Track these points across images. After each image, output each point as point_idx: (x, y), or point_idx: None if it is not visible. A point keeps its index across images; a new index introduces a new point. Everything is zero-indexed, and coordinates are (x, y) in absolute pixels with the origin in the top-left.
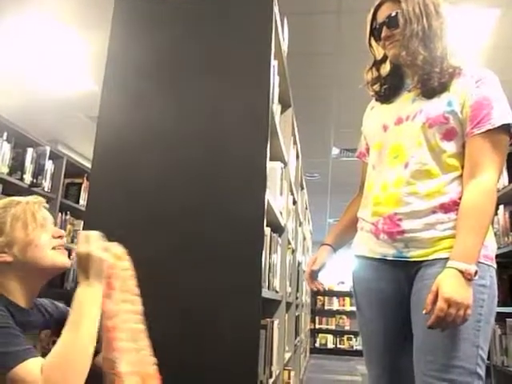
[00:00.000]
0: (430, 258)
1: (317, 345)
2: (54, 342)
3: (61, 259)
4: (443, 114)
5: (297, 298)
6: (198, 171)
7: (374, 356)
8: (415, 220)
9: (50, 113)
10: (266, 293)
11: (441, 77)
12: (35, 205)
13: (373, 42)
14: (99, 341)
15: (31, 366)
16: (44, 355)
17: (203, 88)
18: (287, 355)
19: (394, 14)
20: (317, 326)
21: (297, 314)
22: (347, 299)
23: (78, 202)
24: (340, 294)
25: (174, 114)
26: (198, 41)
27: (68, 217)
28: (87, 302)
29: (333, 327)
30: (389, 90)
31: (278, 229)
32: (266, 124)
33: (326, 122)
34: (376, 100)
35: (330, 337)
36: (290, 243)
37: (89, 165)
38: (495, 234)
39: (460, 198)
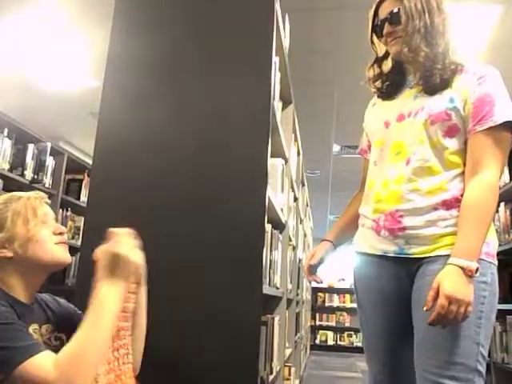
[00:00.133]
0: (432, 254)
1: (317, 341)
2: (55, 338)
3: (62, 255)
4: (445, 110)
5: (297, 295)
6: (198, 168)
7: (375, 353)
8: (417, 217)
9: (51, 109)
10: (266, 289)
11: (443, 73)
12: (36, 200)
13: (374, 39)
14: None
15: (41, 361)
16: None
17: (204, 85)
18: (288, 351)
19: (395, 10)
20: (317, 323)
21: (297, 310)
22: (347, 296)
23: (78, 199)
24: (340, 291)
25: (174, 110)
26: (198, 38)
27: (69, 213)
28: (108, 300)
29: (333, 324)
30: (391, 87)
31: (278, 225)
32: (267, 121)
33: (327, 118)
34: (378, 97)
35: (330, 333)
36: (290, 240)
37: (90, 161)
38: (496, 231)
39: (462, 195)
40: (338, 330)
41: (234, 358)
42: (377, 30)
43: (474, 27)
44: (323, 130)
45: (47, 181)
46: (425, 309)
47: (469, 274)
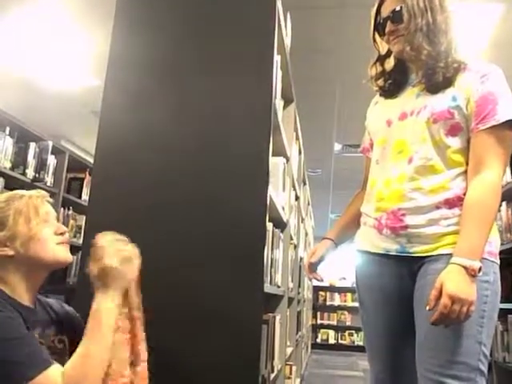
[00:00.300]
0: (434, 253)
1: (318, 340)
2: (59, 340)
3: (63, 254)
4: (448, 109)
5: (299, 294)
6: (200, 167)
7: (376, 351)
8: (419, 215)
9: (53, 108)
10: (268, 288)
11: (446, 72)
12: (38, 199)
13: (377, 37)
14: None
15: (52, 375)
16: (50, 353)
17: (205, 84)
18: (289, 350)
19: (398, 8)
20: (318, 322)
21: (298, 309)
22: (349, 295)
23: (80, 197)
24: (341, 290)
25: (176, 109)
26: (200, 36)
27: (70, 212)
28: (105, 312)
29: (334, 323)
30: (393, 85)
31: (280, 224)
32: (269, 119)
33: (329, 117)
34: (380, 95)
35: (331, 332)
36: (292, 239)
37: (91, 160)
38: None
39: (464, 194)
40: (339, 328)
41: (235, 356)
42: (379, 28)
43: (476, 26)
44: (325, 128)
45: (49, 179)
46: (427, 308)
47: (472, 273)
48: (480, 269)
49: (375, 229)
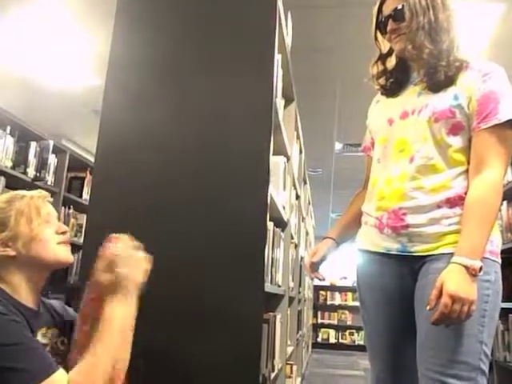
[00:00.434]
0: (435, 252)
1: (319, 339)
2: (62, 342)
3: (64, 255)
4: (449, 108)
5: (299, 293)
6: (200, 166)
7: (377, 351)
8: (420, 215)
9: (54, 107)
10: (268, 287)
11: (447, 70)
12: (40, 199)
13: (378, 36)
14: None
15: (57, 381)
16: (53, 354)
17: (206, 83)
18: (289, 349)
19: (400, 6)
20: (319, 321)
21: (299, 308)
22: (349, 294)
23: (81, 196)
24: (342, 289)
25: (176, 109)
26: (200, 36)
27: (71, 211)
28: (115, 319)
29: (335, 322)
30: (394, 84)
31: (280, 223)
32: (269, 118)
33: (329, 116)
34: (381, 94)
35: (332, 332)
36: (292, 238)
37: (92, 159)
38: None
39: (466, 193)
40: (340, 328)
41: (236, 355)
42: (381, 26)
43: (477, 25)
44: (325, 127)
45: (49, 178)
46: (428, 308)
47: (472, 272)
48: (481, 268)
49: (376, 228)
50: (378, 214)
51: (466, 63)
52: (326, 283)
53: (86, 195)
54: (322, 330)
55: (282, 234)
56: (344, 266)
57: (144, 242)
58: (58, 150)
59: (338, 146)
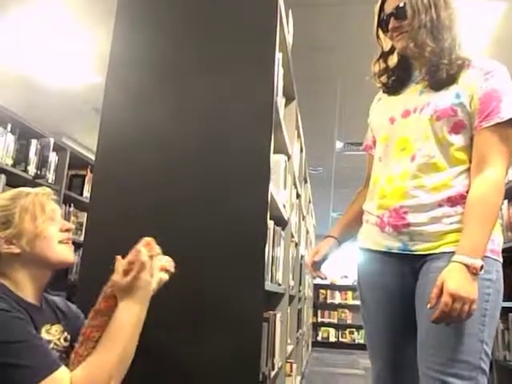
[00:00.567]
0: (436, 251)
1: (319, 338)
2: (65, 339)
3: (67, 255)
4: (451, 106)
5: (299, 292)
6: (201, 164)
7: (378, 349)
8: (421, 213)
9: (54, 105)
10: (268, 286)
11: (449, 68)
12: (44, 196)
13: (380, 33)
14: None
15: (60, 378)
16: (56, 351)
17: (207, 81)
18: (289, 348)
19: (401, 4)
20: (319, 320)
21: (299, 307)
22: (349, 293)
23: (81, 194)
24: (342, 288)
25: (177, 107)
26: (201, 34)
27: (72, 209)
28: (129, 322)
29: (335, 321)
30: (396, 82)
31: (281, 222)
32: (270, 117)
33: (330, 115)
34: (383, 92)
35: (332, 330)
36: (293, 237)
37: (92, 157)
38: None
39: (467, 192)
40: (340, 327)
41: (236, 354)
42: (382, 24)
43: (478, 23)
44: (326, 126)
45: (50, 176)
46: (428, 306)
47: (473, 271)
48: (482, 267)
49: (377, 226)
50: (380, 212)
51: (468, 61)
52: (326, 282)
53: (86, 193)
54: (322, 328)
55: (282, 232)
56: (344, 264)
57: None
58: (59, 148)
59: (338, 144)
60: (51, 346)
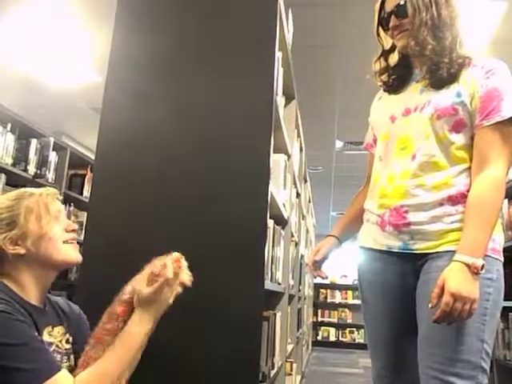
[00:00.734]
0: (437, 250)
1: (319, 338)
2: (67, 341)
3: (72, 254)
4: (452, 105)
5: (299, 291)
6: (201, 164)
7: (379, 348)
8: (422, 212)
9: (54, 104)
10: (268, 285)
11: (450, 67)
12: (49, 197)
13: (381, 32)
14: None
15: (60, 381)
16: (58, 353)
17: (207, 81)
18: (289, 347)
19: (402, 2)
20: (319, 319)
21: (299, 306)
22: (350, 292)
23: (81, 194)
24: (342, 287)
25: (177, 106)
26: (201, 33)
27: (72, 208)
28: (140, 336)
29: (335, 320)
30: (397, 81)
31: (281, 221)
32: (270, 116)
33: (330, 114)
34: (384, 90)
35: (332, 330)
36: (293, 236)
37: (92, 156)
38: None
39: (468, 191)
40: (340, 326)
41: (236, 353)
42: (383, 22)
43: (478, 23)
44: (326, 125)
45: (50, 176)
46: (429, 306)
47: (474, 271)
48: (483, 266)
49: (378, 226)
50: (380, 211)
51: (469, 60)
52: (327, 281)
53: (86, 193)
54: (322, 328)
55: (282, 231)
56: (344, 264)
57: (144, 239)
58: (59, 147)
59: (338, 144)
60: (53, 348)
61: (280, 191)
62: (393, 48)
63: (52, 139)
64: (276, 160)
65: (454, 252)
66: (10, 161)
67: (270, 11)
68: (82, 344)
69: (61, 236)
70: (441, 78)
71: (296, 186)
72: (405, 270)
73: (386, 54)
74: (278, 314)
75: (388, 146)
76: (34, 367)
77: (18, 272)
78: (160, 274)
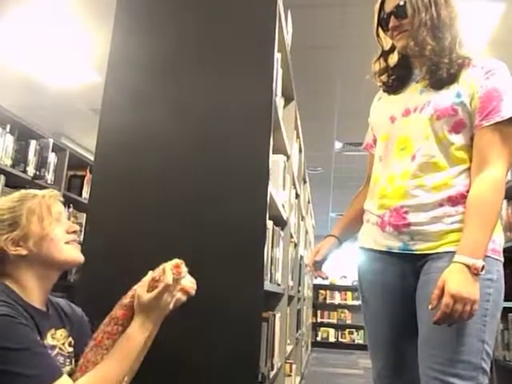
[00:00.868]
0: (437, 251)
1: (318, 339)
2: (69, 344)
3: (75, 255)
4: (451, 105)
5: (299, 292)
6: (200, 164)
7: (379, 348)
8: (422, 213)
9: (53, 105)
10: (267, 286)
11: (450, 67)
12: (51, 198)
13: (380, 32)
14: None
15: None
16: (61, 356)
17: (206, 81)
18: (289, 348)
19: (402, 3)
20: (318, 320)
21: (298, 307)
22: (349, 293)
23: (80, 195)
24: (342, 288)
25: (176, 107)
26: (201, 34)
27: (71, 209)
28: (140, 341)
29: (334, 321)
30: (396, 81)
31: (280, 222)
32: (269, 117)
33: (329, 115)
34: (383, 91)
35: (331, 331)
36: (292, 237)
37: (92, 157)
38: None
39: (467, 191)
40: (340, 327)
41: (235, 354)
42: (383, 23)
43: (477, 24)
44: (325, 126)
45: (49, 177)
46: (430, 308)
47: (474, 272)
48: (483, 267)
49: (378, 226)
50: (380, 212)
51: (469, 60)
52: (326, 282)
53: (85, 194)
54: (322, 329)
55: (281, 232)
56: (344, 265)
57: (143, 241)
58: (58, 149)
59: (337, 144)
60: (56, 351)
61: (279, 192)
62: (392, 48)
63: (51, 140)
64: (275, 161)
65: (453, 253)
66: (9, 162)
67: (270, 12)
68: (84, 347)
69: (62, 237)
70: (440, 79)
71: (295, 187)
72: (405, 271)
73: (385, 54)
74: (278, 315)
75: (388, 147)
76: (35, 373)
77: (20, 273)
78: (159, 280)
